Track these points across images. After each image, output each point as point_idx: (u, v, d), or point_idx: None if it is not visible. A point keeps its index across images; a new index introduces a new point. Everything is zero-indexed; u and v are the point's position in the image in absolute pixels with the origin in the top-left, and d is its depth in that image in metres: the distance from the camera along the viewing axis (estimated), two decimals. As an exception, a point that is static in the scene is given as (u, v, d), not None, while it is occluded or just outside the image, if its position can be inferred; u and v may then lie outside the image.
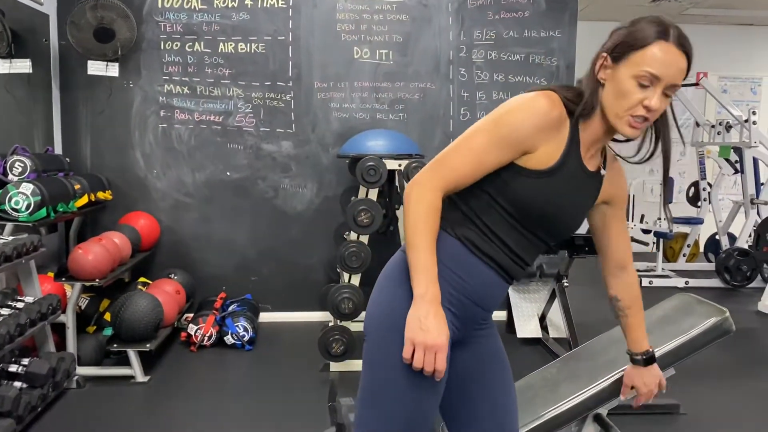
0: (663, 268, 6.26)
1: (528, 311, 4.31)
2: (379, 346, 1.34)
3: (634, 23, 1.29)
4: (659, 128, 1.38)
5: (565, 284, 3.96)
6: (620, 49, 1.28)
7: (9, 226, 3.28)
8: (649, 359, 1.59)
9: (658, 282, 5.88)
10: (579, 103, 1.32)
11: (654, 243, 6.24)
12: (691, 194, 6.67)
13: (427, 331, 1.23)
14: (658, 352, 1.74)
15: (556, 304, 4.02)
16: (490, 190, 1.33)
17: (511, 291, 4.36)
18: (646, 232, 6.10)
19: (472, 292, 1.36)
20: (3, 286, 3.31)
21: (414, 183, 1.31)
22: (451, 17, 4.61)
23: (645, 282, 5.87)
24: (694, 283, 5.79)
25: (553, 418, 1.73)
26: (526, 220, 1.35)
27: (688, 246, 6.58)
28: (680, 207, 6.87)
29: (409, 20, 4.59)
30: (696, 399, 3.26)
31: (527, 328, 4.24)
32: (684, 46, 1.27)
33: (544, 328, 4.22)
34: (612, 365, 1.78)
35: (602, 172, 1.42)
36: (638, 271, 6.16)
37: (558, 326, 4.14)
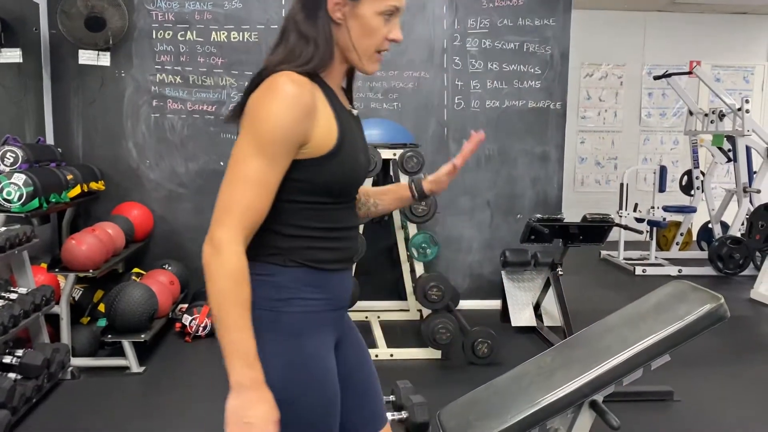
0: (656, 257, 6.29)
1: (522, 300, 4.33)
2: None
3: None
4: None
5: (560, 273, 3.97)
6: None
7: (1, 217, 3.26)
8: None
9: (651, 270, 5.91)
10: (308, 62, 1.21)
11: (647, 232, 6.26)
12: (684, 183, 6.69)
13: (251, 425, 1.09)
14: (654, 339, 1.75)
15: (551, 293, 4.03)
16: (297, 197, 1.22)
17: (505, 280, 4.37)
18: (639, 220, 6.11)
19: (336, 302, 1.30)
20: (-4, 278, 3.29)
21: (211, 248, 1.15)
22: (445, 5, 4.59)
23: (638, 270, 5.90)
24: (687, 271, 5.82)
25: (549, 405, 1.73)
26: (344, 195, 1.29)
27: (681, 234, 6.61)
28: (673, 196, 6.90)
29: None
30: (690, 386, 3.28)
31: (522, 316, 4.26)
32: None
33: (538, 316, 4.24)
34: (607, 352, 1.79)
35: (354, 112, 1.34)
36: (631, 260, 6.21)
37: (552, 315, 4.15)
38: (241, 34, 4.49)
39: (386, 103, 4.62)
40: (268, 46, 4.61)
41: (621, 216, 6.11)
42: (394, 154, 3.70)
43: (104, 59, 4.31)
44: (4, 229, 3.10)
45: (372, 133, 3.87)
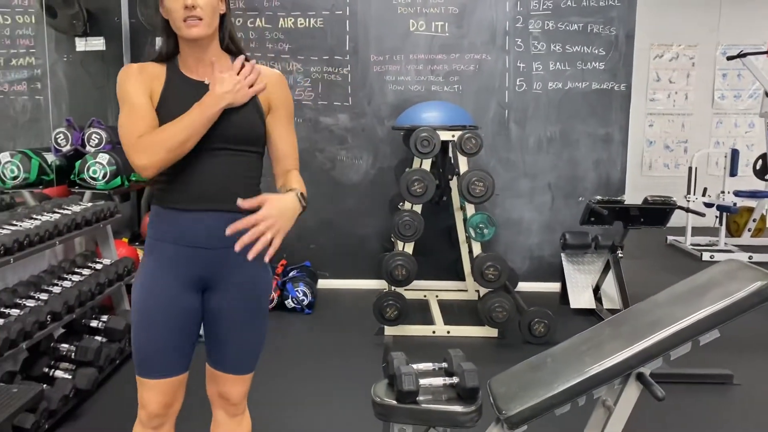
0: (726, 243, 6.11)
1: (582, 282, 4.33)
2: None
3: None
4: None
5: (620, 255, 3.96)
6: None
7: (87, 193, 3.54)
8: (297, 191, 1.58)
9: (719, 256, 5.75)
10: (158, 55, 1.61)
11: (717, 217, 6.09)
12: (758, 167, 6.44)
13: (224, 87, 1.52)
14: (702, 314, 1.78)
15: (611, 276, 4.02)
16: None
17: (565, 262, 4.38)
18: (708, 205, 5.95)
19: (181, 238, 1.57)
20: (83, 249, 3.58)
21: (143, 169, 1.51)
22: (507, -13, 4.59)
23: (706, 256, 5.76)
24: (758, 258, 5.63)
25: (596, 375, 1.79)
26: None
27: (754, 221, 6.39)
28: (746, 181, 6.66)
29: (465, -9, 4.60)
30: (750, 370, 3.24)
31: (581, 299, 4.27)
32: None
33: (598, 299, 4.24)
34: (655, 326, 1.83)
35: (206, 81, 1.57)
36: (699, 245, 6.05)
37: (612, 298, 4.14)
38: (307, 20, 4.64)
39: (447, 86, 4.68)
40: (332, 31, 4.74)
41: (689, 200, 5.97)
42: (453, 136, 3.77)
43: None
44: (90, 204, 3.37)
45: (431, 115, 3.95)
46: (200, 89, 1.56)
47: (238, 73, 1.55)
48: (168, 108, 1.54)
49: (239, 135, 1.57)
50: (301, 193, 1.60)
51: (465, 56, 4.66)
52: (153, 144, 1.48)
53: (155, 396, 1.62)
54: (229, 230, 1.43)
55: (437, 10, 4.62)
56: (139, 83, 1.55)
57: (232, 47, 1.65)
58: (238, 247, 1.41)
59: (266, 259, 1.47)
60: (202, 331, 1.70)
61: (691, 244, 6.14)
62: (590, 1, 4.59)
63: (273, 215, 1.45)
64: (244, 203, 1.45)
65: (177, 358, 1.63)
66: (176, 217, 1.57)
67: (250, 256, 1.41)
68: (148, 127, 1.51)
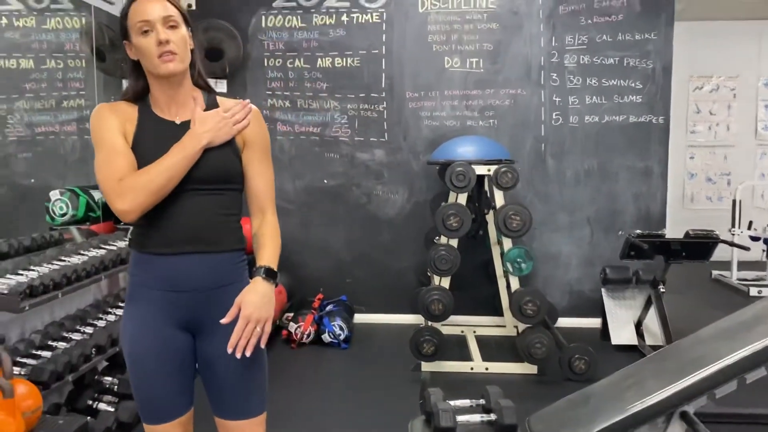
0: (774, 278, 5.91)
1: (623, 318, 4.24)
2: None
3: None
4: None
5: (662, 290, 3.87)
6: (121, 29, 1.54)
7: (132, 229, 3.64)
8: (254, 272, 1.57)
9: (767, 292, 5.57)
10: (125, 94, 1.59)
11: (764, 251, 5.91)
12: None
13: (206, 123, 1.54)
14: (748, 350, 1.73)
15: (653, 311, 3.93)
16: None
17: (605, 297, 4.30)
18: (754, 239, 5.79)
19: (163, 282, 1.54)
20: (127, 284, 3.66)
21: (124, 214, 1.48)
22: (542, 24, 4.64)
23: (753, 292, 5.58)
24: (809, 293, 5.44)
25: (638, 413, 1.75)
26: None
27: (804, 254, 6.17)
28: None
29: (499, 28, 4.65)
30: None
31: (622, 335, 4.17)
32: None
33: (640, 335, 4.14)
34: (699, 362, 1.79)
35: (177, 121, 1.56)
36: (746, 280, 5.88)
37: (655, 334, 4.04)
38: (344, 60, 4.75)
39: (482, 121, 4.71)
40: (369, 70, 4.84)
41: (734, 234, 5.81)
42: (489, 170, 3.78)
43: (221, 86, 4.71)
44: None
45: (466, 149, 3.97)
46: (174, 130, 1.55)
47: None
48: (143, 150, 1.52)
49: (215, 174, 1.55)
50: (269, 269, 1.57)
51: (500, 91, 4.69)
52: (134, 188, 1.45)
53: None
54: (226, 320, 1.49)
55: (472, 47, 4.69)
56: (114, 124, 1.53)
57: (201, 82, 1.64)
58: (238, 353, 1.48)
59: (262, 344, 1.53)
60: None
61: (738, 279, 5.96)
62: (626, 35, 4.59)
63: (253, 314, 1.49)
64: (226, 320, 1.49)
65: (180, 399, 1.59)
66: (157, 262, 1.53)
67: (247, 352, 1.48)
68: (128, 170, 1.49)
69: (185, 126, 1.55)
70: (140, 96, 1.59)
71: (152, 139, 1.53)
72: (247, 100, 1.63)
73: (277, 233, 1.68)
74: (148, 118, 1.56)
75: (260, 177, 1.66)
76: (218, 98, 1.65)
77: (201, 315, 1.56)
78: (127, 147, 1.51)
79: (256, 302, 1.50)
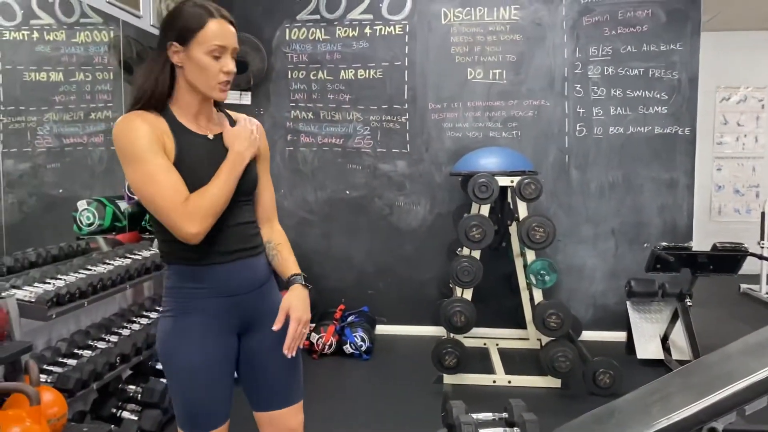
0: (805, 292, 5.78)
1: (649, 332, 4.17)
2: (164, 363, 1.65)
3: (180, 12, 1.52)
4: None
5: (689, 304, 3.81)
6: (185, 35, 1.51)
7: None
8: (292, 281, 1.69)
9: (798, 306, 5.44)
10: (138, 101, 1.54)
11: (794, 264, 5.78)
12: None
13: (245, 140, 1.61)
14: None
15: (679, 325, 3.86)
16: None
17: (630, 310, 4.24)
18: (784, 252, 5.66)
19: (216, 290, 1.60)
20: (152, 293, 3.71)
21: (193, 236, 1.49)
22: (565, 35, 4.62)
23: (783, 306, 5.46)
24: (842, 308, 5.30)
25: (665, 429, 1.71)
26: None
27: (836, 268, 6.02)
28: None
29: (522, 40, 4.65)
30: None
31: (648, 348, 4.10)
32: (228, 17, 1.56)
33: (666, 349, 4.06)
34: (728, 378, 1.75)
35: (210, 136, 1.61)
36: (775, 294, 5.74)
37: (681, 348, 3.97)
38: (367, 71, 4.77)
39: (505, 132, 4.70)
40: (391, 81, 4.86)
41: (763, 247, 5.70)
42: (512, 182, 3.76)
43: (246, 98, 4.76)
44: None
45: (489, 161, 3.95)
46: (209, 145, 1.60)
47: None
48: (188, 168, 1.53)
49: (252, 186, 1.68)
50: (304, 276, 1.72)
51: (523, 102, 4.68)
52: (201, 209, 1.48)
53: None
54: (276, 327, 1.61)
55: (495, 58, 4.68)
56: (153, 138, 1.49)
57: None
58: (292, 353, 1.62)
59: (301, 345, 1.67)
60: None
61: (767, 293, 5.84)
62: (651, 46, 4.55)
63: (302, 317, 1.64)
64: (276, 326, 1.62)
65: (224, 408, 1.66)
66: (212, 272, 1.59)
67: (290, 354, 1.62)
68: (186, 190, 1.49)
69: (218, 141, 1.61)
70: (161, 101, 1.56)
71: (195, 157, 1.56)
72: (253, 119, 1.72)
73: (287, 239, 1.81)
74: (181, 131, 1.56)
75: (267, 187, 1.78)
76: (228, 111, 1.74)
77: (249, 315, 1.67)
78: (171, 164, 1.51)
79: (302, 306, 1.64)
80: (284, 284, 1.71)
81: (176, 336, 1.59)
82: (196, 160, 1.55)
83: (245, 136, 1.60)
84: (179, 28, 1.52)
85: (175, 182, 1.48)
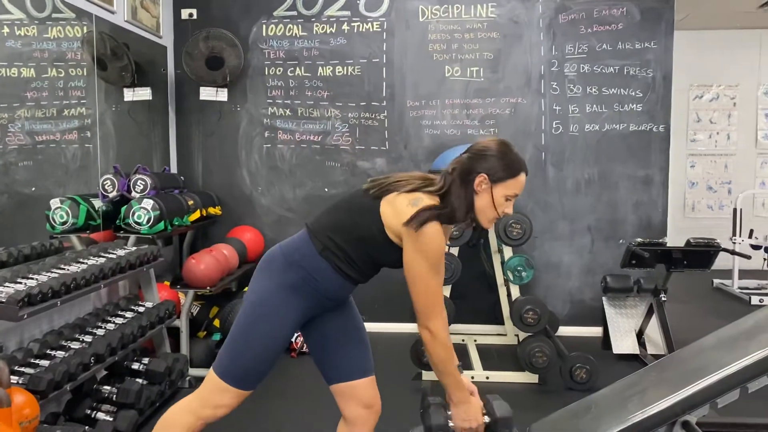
0: (776, 287, 5.90)
1: (624, 327, 4.22)
2: (255, 322, 1.86)
3: (505, 155, 1.80)
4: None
5: (663, 299, 3.86)
6: (500, 175, 1.78)
7: (132, 238, 3.64)
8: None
9: (769, 300, 5.55)
10: (451, 216, 1.79)
11: (765, 259, 5.89)
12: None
13: (470, 420, 1.88)
14: (750, 359, 1.72)
15: (654, 320, 3.91)
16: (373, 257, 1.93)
17: (606, 306, 4.29)
18: (755, 247, 5.78)
19: (334, 296, 1.93)
20: (127, 292, 3.66)
21: (430, 335, 1.83)
22: (542, 33, 4.65)
23: (755, 300, 5.56)
24: (811, 302, 5.42)
25: (640, 423, 1.74)
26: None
27: (806, 263, 6.15)
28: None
29: (499, 37, 4.67)
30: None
31: (624, 344, 4.15)
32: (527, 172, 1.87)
33: (641, 344, 4.12)
34: (701, 371, 1.77)
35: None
36: (747, 289, 5.86)
37: (657, 342, 4.02)
38: (345, 68, 4.76)
39: (483, 129, 4.72)
40: (369, 79, 4.83)
41: (735, 242, 5.80)
42: (490, 179, 3.77)
43: (222, 95, 4.71)
44: (134, 248, 3.46)
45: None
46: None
47: None
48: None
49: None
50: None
51: (500, 100, 4.70)
52: (442, 330, 1.82)
53: (236, 402, 1.93)
54: None
55: (472, 56, 4.70)
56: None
57: None
58: None
59: None
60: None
61: (739, 288, 5.95)
62: (626, 44, 4.60)
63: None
64: None
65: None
66: (345, 287, 1.92)
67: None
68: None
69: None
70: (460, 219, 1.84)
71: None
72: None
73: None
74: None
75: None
76: None
77: (331, 309, 2.01)
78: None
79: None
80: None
81: (290, 308, 1.84)
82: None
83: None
84: (501, 169, 1.79)
85: (441, 290, 1.86)
